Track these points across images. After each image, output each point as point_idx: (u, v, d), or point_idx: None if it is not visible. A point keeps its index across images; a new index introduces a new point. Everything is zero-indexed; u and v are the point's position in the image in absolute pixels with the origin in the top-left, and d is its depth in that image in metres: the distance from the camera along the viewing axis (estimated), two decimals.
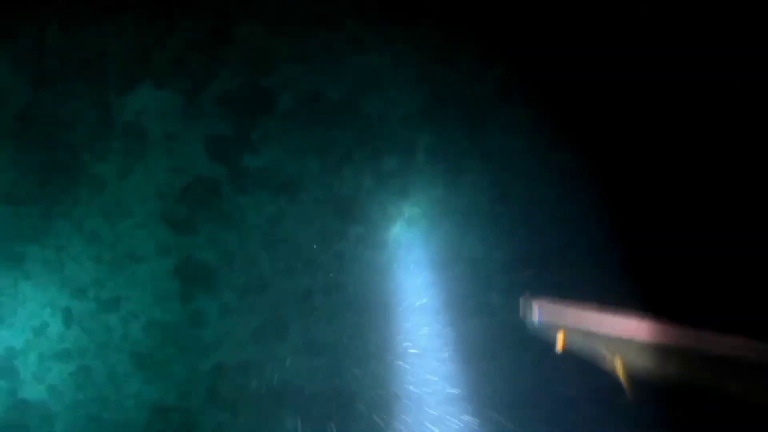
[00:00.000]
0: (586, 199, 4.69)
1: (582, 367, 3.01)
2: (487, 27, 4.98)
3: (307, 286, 4.72)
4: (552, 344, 2.58)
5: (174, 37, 4.81)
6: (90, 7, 4.90)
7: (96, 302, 4.67)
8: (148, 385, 4.61)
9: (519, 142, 4.78)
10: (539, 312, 2.32)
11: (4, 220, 4.58)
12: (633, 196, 4.69)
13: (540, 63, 4.89)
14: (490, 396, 4.93)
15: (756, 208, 3.88)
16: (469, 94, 4.90)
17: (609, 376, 2.51)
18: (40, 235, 4.78)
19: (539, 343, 2.86)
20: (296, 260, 4.73)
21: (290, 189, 4.75)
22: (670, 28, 4.09)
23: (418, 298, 4.79)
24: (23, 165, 4.64)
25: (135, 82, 4.83)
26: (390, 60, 4.81)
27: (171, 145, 4.78)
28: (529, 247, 4.80)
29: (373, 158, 4.81)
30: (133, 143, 4.80)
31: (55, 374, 4.63)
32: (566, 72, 4.72)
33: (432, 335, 4.91)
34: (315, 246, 4.71)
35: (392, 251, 4.75)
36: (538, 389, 4.79)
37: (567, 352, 2.50)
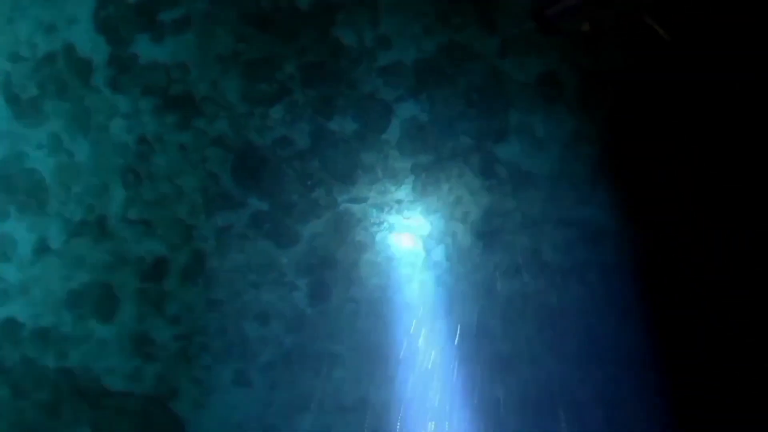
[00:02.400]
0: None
1: None
2: None
3: (158, 254, 2.82)
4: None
5: None
6: None
7: None
8: None
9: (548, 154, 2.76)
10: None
11: None
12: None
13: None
14: None
15: None
16: (497, 71, 2.86)
17: None
18: None
19: None
20: (157, 217, 2.79)
21: (184, 106, 2.79)
22: None
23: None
24: None
25: None
26: None
27: None
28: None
29: (322, 107, 2.77)
30: None
31: None
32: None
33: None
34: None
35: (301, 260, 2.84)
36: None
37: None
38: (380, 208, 3.26)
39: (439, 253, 3.26)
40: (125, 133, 3.33)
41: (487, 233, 3.26)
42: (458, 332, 3.27)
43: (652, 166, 3.36)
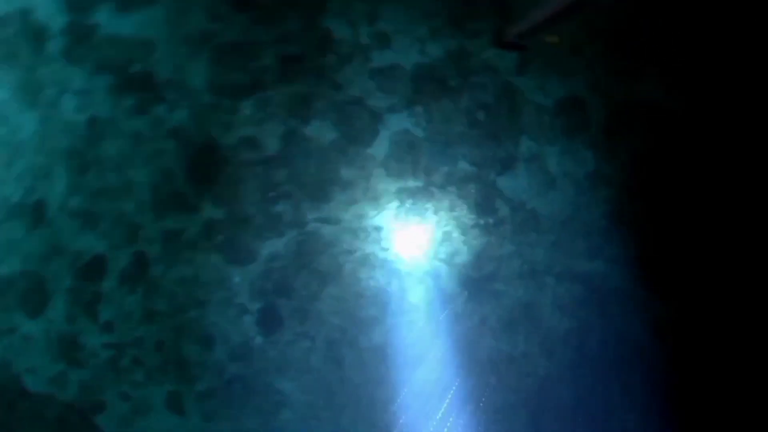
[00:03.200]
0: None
1: None
2: None
3: (96, 251, 2.34)
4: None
5: None
6: None
7: None
8: None
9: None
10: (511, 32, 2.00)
11: None
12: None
13: None
14: None
15: None
16: (512, 89, 2.32)
17: None
18: None
19: None
20: (100, 210, 2.34)
21: (143, 89, 2.33)
22: None
23: None
24: None
25: None
26: None
27: None
28: None
29: (298, 108, 2.25)
30: None
31: None
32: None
33: None
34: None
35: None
36: None
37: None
38: (354, 234, 2.75)
39: (416, 296, 2.74)
40: (76, 112, 2.86)
41: (476, 280, 2.73)
42: (427, 391, 2.75)
43: (678, 222, 2.79)
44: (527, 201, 2.78)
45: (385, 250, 2.76)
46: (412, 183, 2.77)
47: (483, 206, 2.76)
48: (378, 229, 2.77)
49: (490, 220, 2.74)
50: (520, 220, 2.78)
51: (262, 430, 2.89)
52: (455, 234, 2.73)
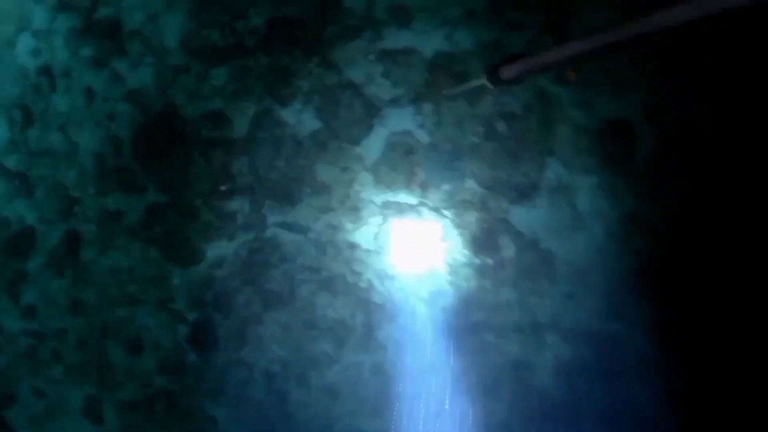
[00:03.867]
0: None
1: None
2: None
3: (26, 222, 1.80)
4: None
5: None
6: None
7: None
8: None
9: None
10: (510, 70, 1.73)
11: None
12: None
13: None
14: None
15: None
16: (547, 99, 1.58)
17: None
18: None
19: None
20: (38, 175, 1.80)
21: (106, 38, 1.76)
22: None
23: None
24: None
25: None
26: None
27: None
28: None
29: (278, 84, 1.65)
30: None
31: None
32: None
33: None
34: None
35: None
36: None
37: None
38: (322, 249, 2.21)
39: (386, 334, 2.19)
40: (30, 56, 2.41)
41: (461, 329, 2.16)
42: None
43: (724, 289, 2.16)
44: (542, 240, 2.19)
45: (357, 274, 2.21)
46: (402, 198, 2.21)
47: (484, 242, 2.18)
48: (352, 247, 2.22)
49: (489, 261, 2.16)
50: (529, 263, 2.19)
51: None
52: (442, 271, 2.16)
